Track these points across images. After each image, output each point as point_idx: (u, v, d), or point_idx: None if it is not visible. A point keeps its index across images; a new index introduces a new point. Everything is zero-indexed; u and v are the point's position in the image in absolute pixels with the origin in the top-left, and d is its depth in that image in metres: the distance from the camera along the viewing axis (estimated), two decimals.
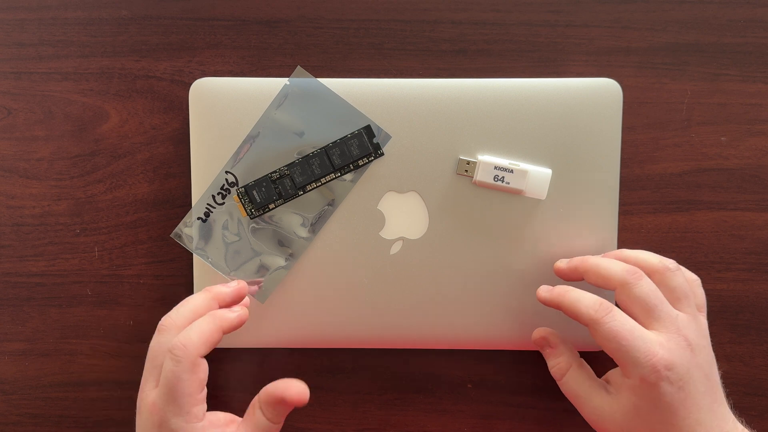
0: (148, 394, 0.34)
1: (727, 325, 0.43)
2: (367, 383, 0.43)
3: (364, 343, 0.42)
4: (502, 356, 0.43)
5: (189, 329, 0.34)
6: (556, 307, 0.37)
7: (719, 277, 0.43)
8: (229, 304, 0.38)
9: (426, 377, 0.43)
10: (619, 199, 0.41)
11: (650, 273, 0.36)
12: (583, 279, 0.38)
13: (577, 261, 0.38)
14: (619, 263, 0.36)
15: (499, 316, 0.41)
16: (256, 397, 0.36)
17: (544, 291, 0.38)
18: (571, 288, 0.37)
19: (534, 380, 0.43)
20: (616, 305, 0.36)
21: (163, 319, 0.36)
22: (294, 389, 0.34)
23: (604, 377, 0.39)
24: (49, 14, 0.43)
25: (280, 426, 0.35)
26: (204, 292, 0.38)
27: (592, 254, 0.40)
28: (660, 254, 0.43)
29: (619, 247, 0.42)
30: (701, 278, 0.43)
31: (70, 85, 0.43)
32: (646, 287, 0.35)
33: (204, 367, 0.34)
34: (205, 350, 0.34)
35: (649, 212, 0.43)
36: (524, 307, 0.41)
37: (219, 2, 0.43)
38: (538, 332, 0.40)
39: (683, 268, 0.37)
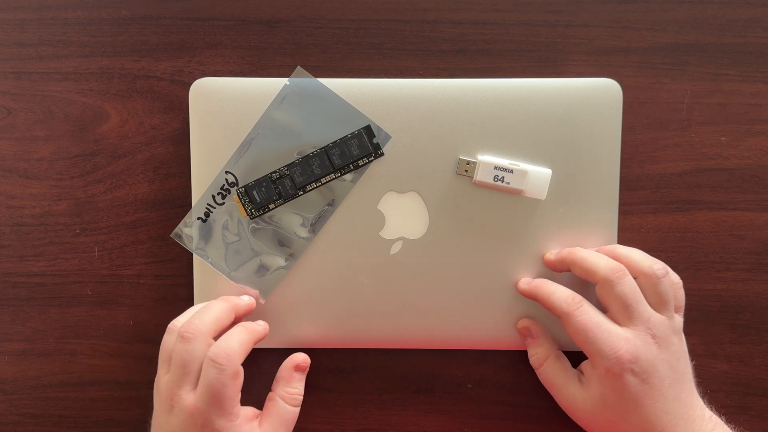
0: (185, 398, 0.35)
1: (727, 325, 0.43)
2: (367, 383, 0.43)
3: (364, 343, 0.42)
4: (502, 356, 0.43)
5: (229, 339, 0.36)
6: (533, 298, 0.40)
7: (719, 277, 0.43)
8: (239, 317, 0.40)
9: (426, 377, 0.43)
10: (619, 199, 0.41)
11: (638, 274, 0.37)
12: (569, 270, 0.39)
13: (565, 252, 0.39)
14: (606, 259, 0.38)
15: (499, 316, 0.41)
16: (272, 391, 0.39)
17: (523, 283, 0.40)
18: (547, 281, 0.39)
19: (534, 380, 0.43)
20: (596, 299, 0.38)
21: (185, 325, 0.36)
22: (299, 356, 0.40)
23: (578, 368, 0.40)
24: (49, 14, 0.43)
25: (298, 408, 0.39)
26: (222, 301, 0.39)
27: None
28: (660, 254, 0.43)
29: None
30: (701, 278, 0.43)
31: (70, 85, 0.43)
32: (627, 287, 0.36)
33: (242, 372, 0.36)
34: (243, 359, 0.36)
35: (649, 212, 0.43)
36: (524, 307, 0.41)
37: (219, 2, 0.43)
38: (522, 322, 0.41)
39: (670, 271, 0.38)
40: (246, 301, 0.40)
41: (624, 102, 0.40)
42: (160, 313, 0.43)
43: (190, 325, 0.36)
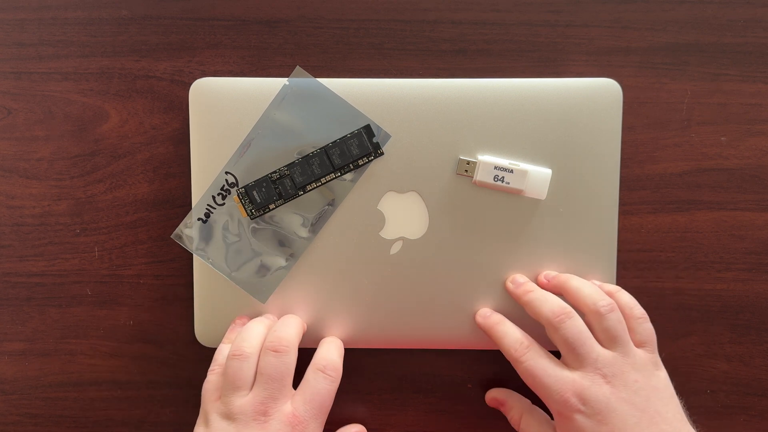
0: (284, 409, 0.36)
1: (727, 325, 0.43)
2: (367, 383, 0.43)
3: (364, 343, 0.42)
4: (502, 356, 0.43)
5: (329, 351, 0.39)
6: (486, 335, 0.40)
7: (719, 277, 0.43)
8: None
9: (426, 377, 0.43)
10: (619, 199, 0.41)
11: (584, 312, 0.37)
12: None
13: (521, 291, 0.39)
14: (552, 302, 0.37)
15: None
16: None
17: (480, 316, 0.41)
18: (502, 321, 0.39)
19: None
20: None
21: (273, 340, 0.37)
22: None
23: None
24: (49, 14, 0.43)
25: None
26: (294, 316, 0.40)
27: (592, 255, 0.40)
28: (660, 254, 0.43)
29: (619, 247, 0.42)
30: (701, 278, 0.43)
31: (70, 85, 0.43)
32: (570, 330, 0.36)
33: None
34: None
35: (649, 212, 0.43)
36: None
37: (219, 2, 0.43)
38: (489, 395, 0.43)
39: (628, 304, 0.38)
40: (301, 319, 0.41)
41: (624, 102, 0.40)
42: (160, 313, 0.43)
43: (281, 340, 0.37)
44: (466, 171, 0.40)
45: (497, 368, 0.43)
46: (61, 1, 0.43)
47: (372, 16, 0.43)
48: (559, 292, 0.39)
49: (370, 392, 0.43)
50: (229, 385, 0.36)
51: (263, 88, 0.40)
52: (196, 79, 0.41)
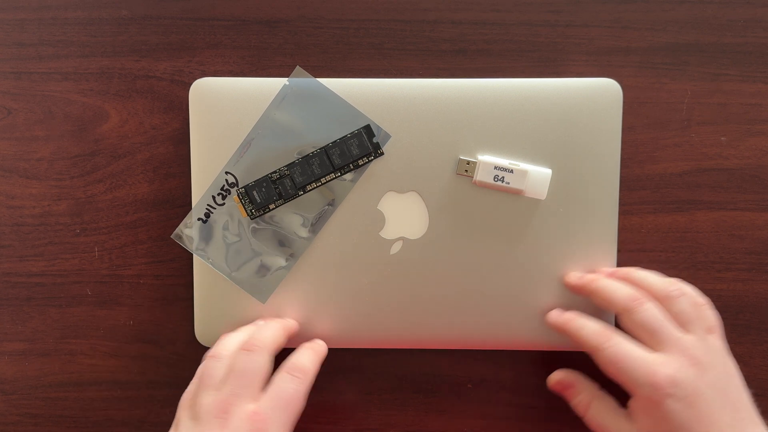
0: (246, 407, 0.35)
1: (727, 325, 0.43)
2: (367, 383, 0.43)
3: (364, 343, 0.42)
4: (502, 356, 0.43)
5: (300, 354, 0.39)
6: (561, 332, 0.39)
7: (719, 277, 0.43)
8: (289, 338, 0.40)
9: (426, 377, 0.43)
10: (619, 199, 0.41)
11: (655, 298, 0.37)
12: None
13: (587, 280, 0.39)
14: (624, 288, 0.37)
15: (499, 316, 0.41)
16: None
17: (554, 316, 0.40)
18: (577, 316, 0.39)
19: (534, 380, 0.43)
20: (617, 326, 0.37)
21: (248, 341, 0.37)
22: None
23: (626, 406, 0.38)
24: (49, 14, 0.43)
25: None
26: (275, 321, 0.40)
27: (592, 255, 0.40)
28: (660, 254, 0.43)
29: (619, 247, 0.42)
30: (701, 278, 0.43)
31: (70, 85, 0.43)
32: (648, 312, 0.35)
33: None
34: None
35: (649, 212, 0.43)
36: (524, 307, 0.41)
37: (219, 2, 0.43)
38: (554, 377, 0.41)
39: (691, 292, 0.37)
40: (293, 323, 0.41)
41: (624, 102, 0.40)
42: (160, 313, 0.43)
43: (255, 340, 0.37)
44: (466, 171, 0.40)
45: (497, 368, 0.43)
46: (61, 1, 0.43)
47: (372, 16, 0.43)
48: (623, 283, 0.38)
49: (370, 392, 0.43)
50: (201, 385, 0.36)
51: (263, 88, 0.40)
52: (196, 79, 0.41)
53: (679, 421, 0.33)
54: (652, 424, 0.34)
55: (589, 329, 0.37)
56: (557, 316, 0.40)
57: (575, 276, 0.40)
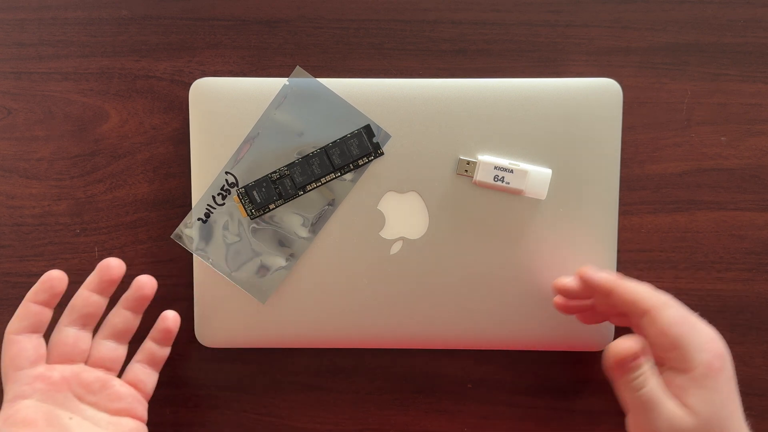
0: None
1: (727, 325, 0.43)
2: (367, 383, 0.43)
3: (364, 343, 0.42)
4: (502, 356, 0.43)
5: None
6: (604, 291, 0.35)
7: (719, 277, 0.43)
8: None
9: (426, 377, 0.43)
10: (619, 199, 0.41)
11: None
12: (589, 298, 0.38)
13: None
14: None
15: (499, 316, 0.41)
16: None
17: (592, 271, 0.36)
18: (623, 276, 0.36)
19: (534, 380, 0.43)
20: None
21: None
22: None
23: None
24: (49, 14, 0.43)
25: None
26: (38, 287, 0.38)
27: (592, 255, 0.40)
28: (660, 254, 0.43)
29: (619, 247, 0.42)
30: (701, 278, 0.43)
31: (70, 85, 0.43)
32: (680, 308, 0.34)
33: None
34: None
35: (649, 212, 0.43)
36: (524, 307, 0.41)
37: (219, 2, 0.43)
38: (622, 346, 0.34)
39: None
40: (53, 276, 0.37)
41: (624, 102, 0.40)
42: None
43: None
44: (466, 171, 0.40)
45: (497, 368, 0.43)
46: (61, 1, 0.43)
47: (372, 16, 0.43)
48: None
49: (370, 392, 0.43)
50: None
51: (263, 88, 0.40)
52: (196, 79, 0.41)
53: (726, 391, 0.33)
54: (704, 395, 0.32)
55: (645, 288, 0.34)
56: (598, 273, 0.36)
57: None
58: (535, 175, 0.40)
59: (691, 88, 0.43)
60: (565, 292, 0.39)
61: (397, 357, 0.43)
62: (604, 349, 0.34)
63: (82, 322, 0.38)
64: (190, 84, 0.41)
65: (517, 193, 0.40)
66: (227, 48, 0.43)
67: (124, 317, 0.38)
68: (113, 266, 0.38)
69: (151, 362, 0.39)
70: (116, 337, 0.39)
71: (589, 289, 0.37)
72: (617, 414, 0.43)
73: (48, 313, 0.37)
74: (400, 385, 0.43)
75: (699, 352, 0.32)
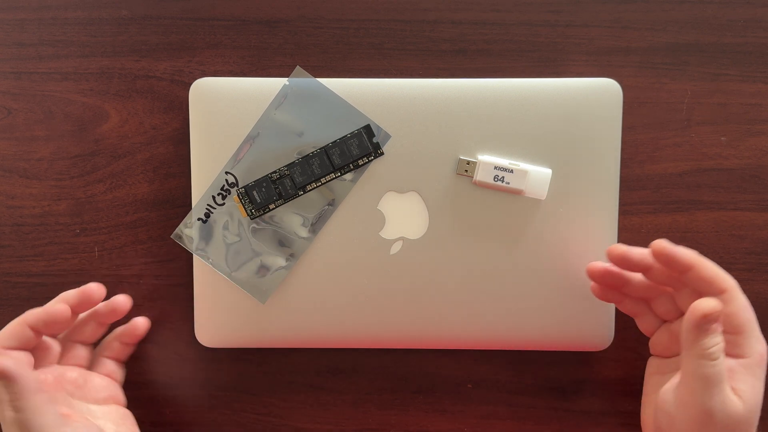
0: None
1: None
2: (367, 383, 0.43)
3: (364, 343, 0.42)
4: (502, 356, 0.43)
5: None
6: (684, 266, 0.35)
7: None
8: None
9: (426, 377, 0.43)
10: (619, 199, 0.41)
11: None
12: (640, 272, 0.38)
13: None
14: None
15: (500, 316, 0.41)
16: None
17: (672, 246, 0.35)
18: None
19: (534, 380, 0.43)
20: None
21: None
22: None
23: None
24: (49, 14, 0.43)
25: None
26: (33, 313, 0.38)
27: (593, 255, 0.40)
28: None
29: None
30: None
31: (70, 85, 0.43)
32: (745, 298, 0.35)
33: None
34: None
35: (649, 212, 0.43)
36: (524, 307, 0.41)
37: (219, 2, 0.43)
38: (711, 303, 0.33)
39: None
40: (38, 313, 0.37)
41: (624, 102, 0.40)
42: (160, 313, 0.43)
43: None
44: (466, 171, 0.40)
45: (497, 368, 0.43)
46: (61, 1, 0.43)
47: (372, 16, 0.43)
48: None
49: (370, 392, 0.43)
50: None
51: (263, 88, 0.40)
52: (196, 79, 0.41)
53: (764, 383, 0.34)
54: (753, 383, 0.34)
55: (721, 269, 0.35)
56: (675, 247, 0.35)
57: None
58: (535, 175, 0.40)
59: (691, 88, 0.43)
60: (601, 274, 0.38)
61: (397, 357, 0.43)
62: (690, 307, 0.33)
63: (53, 332, 0.39)
64: (190, 84, 0.41)
65: (517, 193, 0.40)
66: (227, 48, 0.43)
67: (93, 328, 0.41)
68: (95, 293, 0.40)
69: (119, 358, 0.42)
70: (84, 342, 0.41)
71: (633, 265, 0.37)
72: (617, 414, 0.43)
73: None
74: (400, 385, 0.43)
75: (757, 341, 0.34)
